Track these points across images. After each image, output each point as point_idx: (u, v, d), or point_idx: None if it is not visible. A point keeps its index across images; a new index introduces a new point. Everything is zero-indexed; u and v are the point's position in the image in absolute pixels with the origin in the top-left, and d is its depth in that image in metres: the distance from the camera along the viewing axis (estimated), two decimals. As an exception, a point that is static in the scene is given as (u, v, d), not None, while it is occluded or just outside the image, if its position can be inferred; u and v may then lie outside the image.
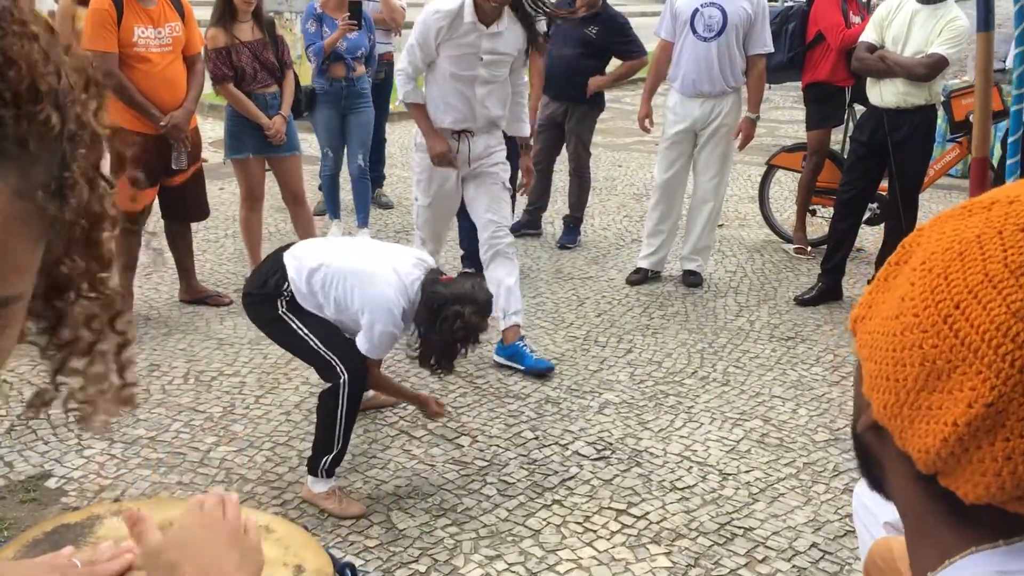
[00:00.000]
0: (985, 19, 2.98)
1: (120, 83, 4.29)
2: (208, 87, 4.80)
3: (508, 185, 4.33)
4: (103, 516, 1.20)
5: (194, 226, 5.03)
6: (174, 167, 4.51)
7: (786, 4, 7.50)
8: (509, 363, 4.19)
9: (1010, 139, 3.24)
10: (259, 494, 3.15)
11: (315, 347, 3.05)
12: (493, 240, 4.21)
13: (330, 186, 5.90)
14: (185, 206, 4.75)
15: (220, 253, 5.68)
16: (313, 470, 3.08)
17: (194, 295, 4.86)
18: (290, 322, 3.08)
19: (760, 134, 5.50)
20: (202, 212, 4.91)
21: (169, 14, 4.45)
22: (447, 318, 2.99)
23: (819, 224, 6.12)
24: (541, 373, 4.13)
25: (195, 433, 3.53)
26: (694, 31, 5.11)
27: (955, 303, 0.61)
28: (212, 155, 7.68)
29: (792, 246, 6.06)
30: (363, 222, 5.89)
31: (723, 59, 5.10)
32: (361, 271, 3.04)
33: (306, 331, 3.06)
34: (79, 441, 3.43)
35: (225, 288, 5.05)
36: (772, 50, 5.30)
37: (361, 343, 3.03)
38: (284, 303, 3.08)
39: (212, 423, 3.61)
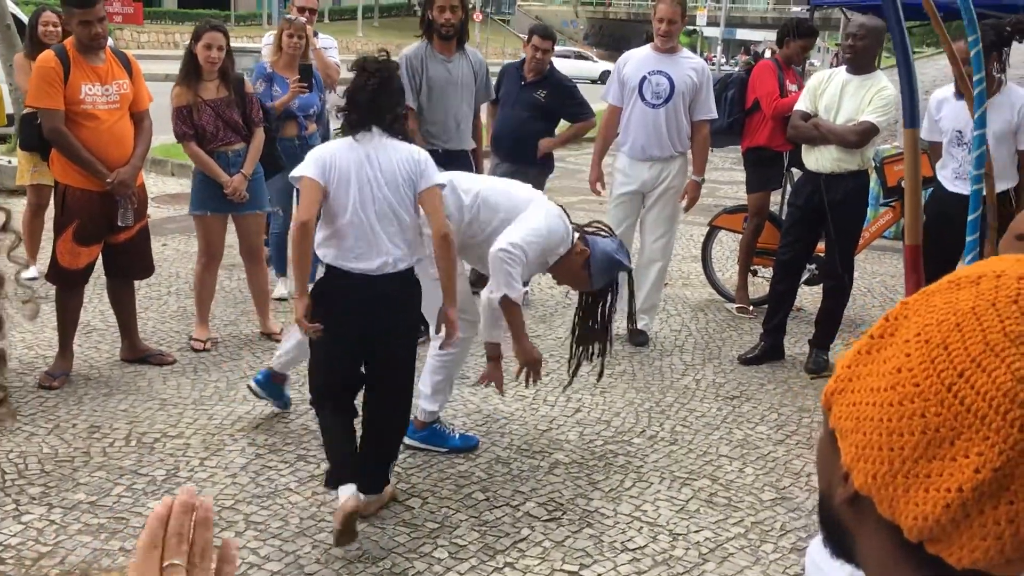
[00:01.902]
0: (911, 116, 3.05)
1: (66, 140, 4.26)
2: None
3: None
4: None
5: (136, 283, 4.95)
6: (120, 223, 4.46)
7: (724, 71, 7.77)
8: (427, 447, 3.94)
9: (969, 217, 3.30)
10: (204, 560, 3.07)
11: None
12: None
13: (279, 244, 5.86)
14: (130, 263, 4.68)
15: (163, 311, 5.59)
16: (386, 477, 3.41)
17: (136, 354, 4.76)
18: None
19: (702, 195, 5.64)
20: (147, 269, 4.85)
21: (116, 71, 4.44)
22: None
23: (760, 284, 6.26)
24: (469, 450, 3.96)
25: (137, 497, 3.44)
26: (643, 98, 5.26)
27: (958, 372, 0.63)
28: (156, 211, 7.60)
29: (735, 305, 6.19)
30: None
31: (671, 125, 5.26)
32: None
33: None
34: (16, 507, 3.32)
35: (168, 346, 4.97)
36: (716, 116, 5.49)
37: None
38: None
39: (155, 487, 3.52)
